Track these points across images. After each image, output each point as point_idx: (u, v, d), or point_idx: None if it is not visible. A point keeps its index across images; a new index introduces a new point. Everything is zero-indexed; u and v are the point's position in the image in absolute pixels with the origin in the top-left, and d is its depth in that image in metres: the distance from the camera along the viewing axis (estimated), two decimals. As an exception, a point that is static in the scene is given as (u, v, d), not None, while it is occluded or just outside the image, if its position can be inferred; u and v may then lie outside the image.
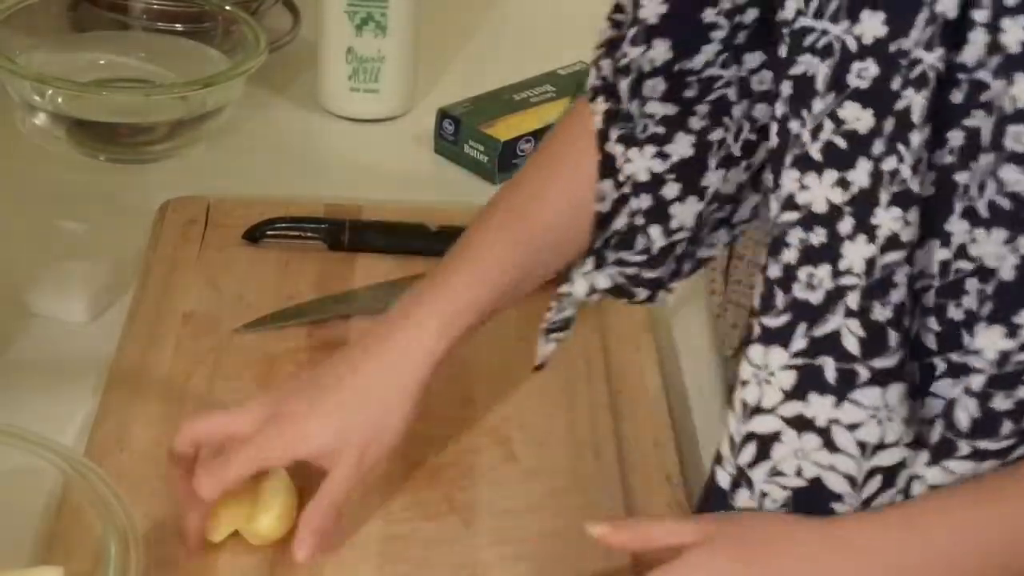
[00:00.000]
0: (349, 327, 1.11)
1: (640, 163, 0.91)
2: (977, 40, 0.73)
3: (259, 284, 1.15)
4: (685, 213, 0.92)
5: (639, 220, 0.92)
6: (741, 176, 0.93)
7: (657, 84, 0.90)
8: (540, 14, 1.65)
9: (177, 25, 1.42)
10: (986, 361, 0.76)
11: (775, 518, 0.82)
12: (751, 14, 0.88)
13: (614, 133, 0.92)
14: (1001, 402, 0.76)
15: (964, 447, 0.78)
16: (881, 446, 0.79)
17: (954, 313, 0.76)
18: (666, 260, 0.94)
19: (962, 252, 0.75)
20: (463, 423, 1.03)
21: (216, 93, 1.30)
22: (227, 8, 1.39)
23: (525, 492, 0.98)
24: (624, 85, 0.90)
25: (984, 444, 0.77)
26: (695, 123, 0.91)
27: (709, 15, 0.88)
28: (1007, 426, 0.77)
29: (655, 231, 0.92)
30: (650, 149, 0.91)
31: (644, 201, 0.92)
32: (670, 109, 0.90)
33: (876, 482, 0.80)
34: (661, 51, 0.89)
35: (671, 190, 0.91)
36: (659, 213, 0.92)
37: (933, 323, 0.77)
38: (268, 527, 0.91)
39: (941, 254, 0.76)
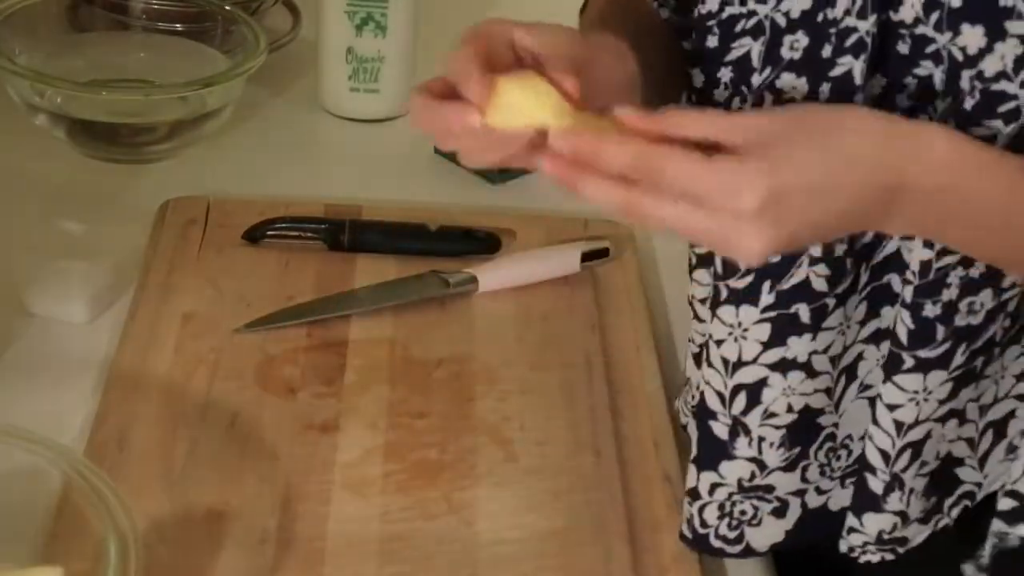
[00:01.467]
0: (349, 327, 1.11)
1: None
2: (914, 1, 0.77)
3: (259, 284, 1.15)
4: None
5: None
6: None
7: None
8: (540, 14, 1.65)
9: (177, 25, 1.42)
10: (912, 272, 0.82)
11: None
12: None
13: None
14: (930, 309, 0.83)
15: (908, 360, 0.84)
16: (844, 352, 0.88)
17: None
18: None
19: None
20: (463, 423, 1.03)
21: (216, 93, 1.30)
22: (227, 8, 1.39)
23: (525, 492, 0.98)
24: None
25: (923, 353, 0.84)
26: None
27: None
28: (940, 331, 0.83)
29: None
30: None
31: None
32: None
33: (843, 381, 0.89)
34: None
35: None
36: None
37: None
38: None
39: None
